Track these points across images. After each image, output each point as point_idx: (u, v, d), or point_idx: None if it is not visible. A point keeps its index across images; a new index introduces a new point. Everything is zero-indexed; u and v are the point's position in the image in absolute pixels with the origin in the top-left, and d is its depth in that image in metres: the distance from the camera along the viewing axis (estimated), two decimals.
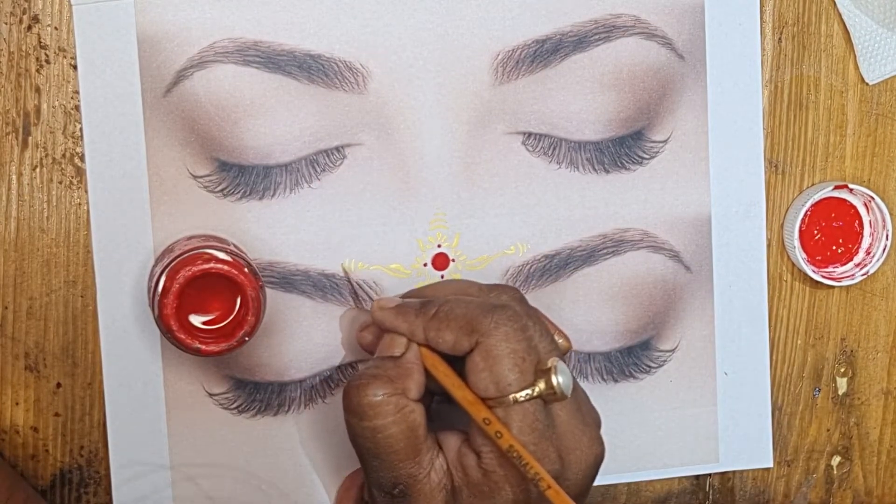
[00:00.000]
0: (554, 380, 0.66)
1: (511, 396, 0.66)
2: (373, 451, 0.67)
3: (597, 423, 0.70)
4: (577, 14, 0.76)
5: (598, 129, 0.77)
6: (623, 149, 0.78)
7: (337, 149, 0.75)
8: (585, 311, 0.79)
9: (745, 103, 0.79)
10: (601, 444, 0.69)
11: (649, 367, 0.80)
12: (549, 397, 0.66)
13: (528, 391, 0.66)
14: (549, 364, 0.66)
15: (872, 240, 0.81)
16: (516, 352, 0.66)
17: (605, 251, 0.78)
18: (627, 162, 0.78)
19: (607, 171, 0.78)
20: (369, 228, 0.76)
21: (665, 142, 0.78)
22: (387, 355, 0.69)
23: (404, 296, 0.73)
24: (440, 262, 0.77)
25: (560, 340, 0.72)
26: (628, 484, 0.82)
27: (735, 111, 0.79)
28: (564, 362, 0.67)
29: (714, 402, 0.81)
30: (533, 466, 0.65)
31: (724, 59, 0.78)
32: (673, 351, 0.80)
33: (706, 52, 0.78)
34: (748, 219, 0.80)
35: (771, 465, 0.83)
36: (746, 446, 0.82)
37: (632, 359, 0.80)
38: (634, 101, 0.78)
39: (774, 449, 0.83)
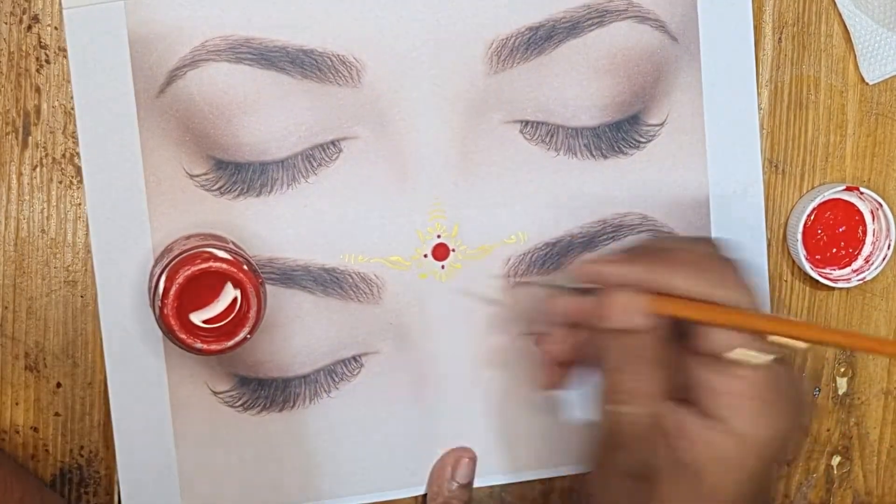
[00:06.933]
0: None
1: None
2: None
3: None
4: (569, 0, 0.76)
5: (594, 115, 0.77)
6: (620, 133, 0.78)
7: (333, 143, 0.75)
8: None
9: (739, 82, 0.78)
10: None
11: None
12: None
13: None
14: None
15: (873, 249, 0.80)
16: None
17: (604, 237, 0.78)
18: (625, 146, 0.78)
19: (605, 157, 0.78)
20: (368, 221, 0.76)
21: (661, 125, 0.78)
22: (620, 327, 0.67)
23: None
24: (440, 252, 0.77)
25: None
26: None
27: (730, 90, 0.78)
28: None
29: None
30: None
31: (717, 38, 0.78)
32: None
33: (699, 33, 0.78)
34: (746, 199, 0.80)
35: None
36: None
37: None
38: (630, 85, 0.77)
39: None
